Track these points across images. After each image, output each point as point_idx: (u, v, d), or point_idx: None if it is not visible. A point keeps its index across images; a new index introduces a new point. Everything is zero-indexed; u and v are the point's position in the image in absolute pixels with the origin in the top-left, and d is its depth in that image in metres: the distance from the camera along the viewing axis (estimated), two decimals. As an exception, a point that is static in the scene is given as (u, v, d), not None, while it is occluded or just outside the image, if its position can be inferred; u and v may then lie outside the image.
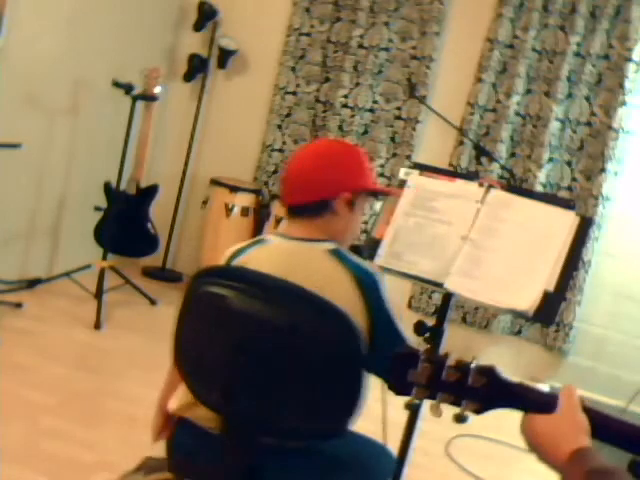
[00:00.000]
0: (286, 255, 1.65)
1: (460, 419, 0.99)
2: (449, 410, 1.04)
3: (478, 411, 0.99)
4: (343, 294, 1.51)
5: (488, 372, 0.99)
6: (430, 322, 2.06)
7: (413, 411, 2.12)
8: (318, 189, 1.61)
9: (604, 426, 0.98)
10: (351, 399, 1.48)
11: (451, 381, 0.99)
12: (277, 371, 1.48)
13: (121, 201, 3.91)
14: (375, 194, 1.81)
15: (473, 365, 0.99)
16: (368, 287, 1.53)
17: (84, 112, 4.01)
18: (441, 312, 2.19)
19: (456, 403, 1.00)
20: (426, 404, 1.03)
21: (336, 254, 1.58)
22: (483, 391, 0.99)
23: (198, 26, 4.49)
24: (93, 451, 2.49)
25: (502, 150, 4.25)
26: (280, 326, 1.46)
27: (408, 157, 4.40)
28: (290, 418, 1.52)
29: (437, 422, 2.05)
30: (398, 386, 1.00)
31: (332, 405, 1.50)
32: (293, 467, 1.59)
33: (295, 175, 1.65)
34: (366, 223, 3.82)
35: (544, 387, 1.03)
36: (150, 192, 4.04)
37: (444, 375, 0.99)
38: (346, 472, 1.64)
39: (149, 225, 4.04)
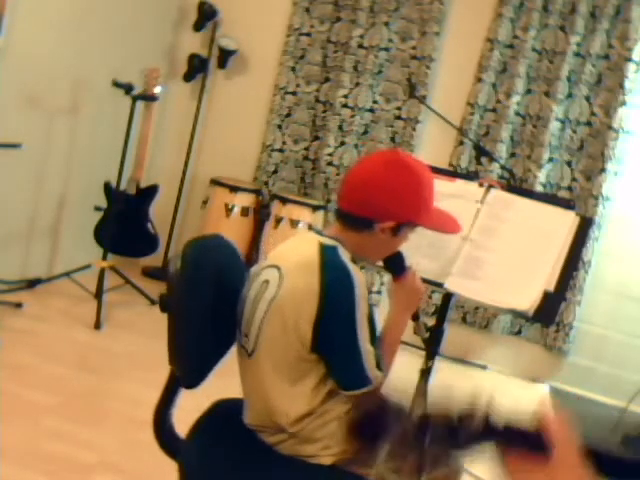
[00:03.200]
0: (294, 238, 1.74)
1: None
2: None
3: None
4: (303, 281, 1.52)
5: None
6: (430, 322, 2.06)
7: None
8: (366, 207, 1.58)
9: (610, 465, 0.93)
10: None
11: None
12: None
13: (121, 201, 3.91)
14: None
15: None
16: (330, 284, 1.50)
17: (84, 112, 4.01)
18: (441, 312, 2.19)
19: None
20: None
21: (324, 247, 1.56)
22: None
23: (198, 26, 4.49)
24: (93, 451, 2.49)
25: (502, 150, 4.25)
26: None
27: (408, 157, 4.40)
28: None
29: (437, 422, 2.05)
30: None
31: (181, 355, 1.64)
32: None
33: (354, 181, 1.62)
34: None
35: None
36: (150, 192, 4.04)
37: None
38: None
39: (149, 225, 4.04)
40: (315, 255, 1.54)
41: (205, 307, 1.59)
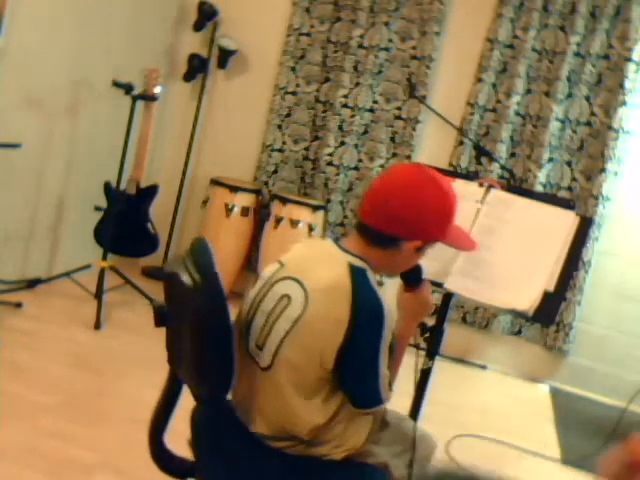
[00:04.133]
0: (314, 248, 1.68)
1: None
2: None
3: None
4: (333, 307, 1.49)
5: None
6: (430, 322, 2.06)
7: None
8: (396, 226, 1.55)
9: None
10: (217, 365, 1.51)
11: None
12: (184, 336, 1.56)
13: (121, 201, 3.91)
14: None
15: None
16: (361, 315, 1.48)
17: (84, 112, 4.01)
18: (441, 312, 2.19)
19: None
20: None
21: (355, 270, 1.53)
22: None
23: (198, 26, 4.49)
24: (93, 451, 2.49)
25: (502, 150, 4.25)
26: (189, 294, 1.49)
27: (408, 157, 4.40)
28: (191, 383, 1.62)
29: (437, 422, 2.05)
30: None
31: (206, 369, 1.54)
32: None
33: (381, 197, 1.57)
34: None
35: None
36: (150, 192, 4.03)
37: None
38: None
39: (149, 225, 4.04)
40: (346, 279, 1.51)
41: (225, 318, 1.50)
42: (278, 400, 1.58)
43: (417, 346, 1.73)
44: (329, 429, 1.59)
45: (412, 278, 1.70)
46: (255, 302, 1.63)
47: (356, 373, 1.54)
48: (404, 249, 1.57)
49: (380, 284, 1.59)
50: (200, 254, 1.56)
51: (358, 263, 1.55)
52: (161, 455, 1.69)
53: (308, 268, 1.58)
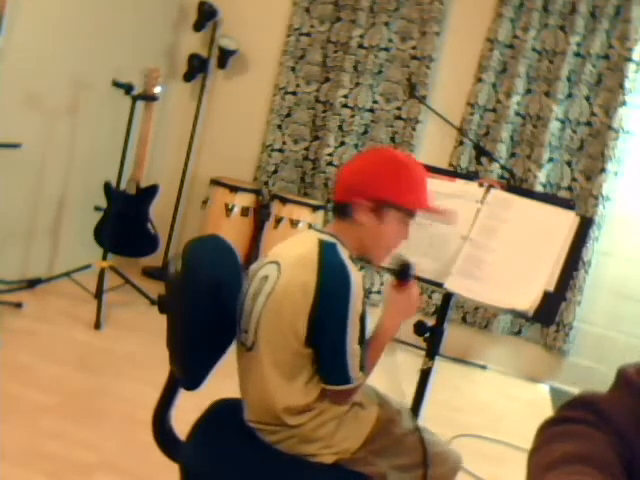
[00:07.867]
0: (295, 236, 1.74)
1: None
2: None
3: None
4: (301, 277, 1.53)
5: None
6: (430, 322, 2.06)
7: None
8: (342, 190, 1.65)
9: None
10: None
11: None
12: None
13: (121, 201, 3.91)
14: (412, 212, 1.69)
15: None
16: (326, 280, 1.51)
17: (84, 112, 4.01)
18: (441, 312, 2.19)
19: None
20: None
21: (323, 244, 1.58)
22: None
23: (198, 26, 4.49)
24: (93, 451, 2.48)
25: (502, 150, 4.25)
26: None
27: (408, 157, 4.40)
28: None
29: (437, 422, 2.05)
30: None
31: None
32: None
33: (342, 175, 1.69)
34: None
35: None
36: (150, 192, 4.04)
37: None
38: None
39: (149, 225, 4.04)
40: (314, 251, 1.55)
41: (203, 308, 1.59)
42: (259, 380, 1.60)
43: (402, 341, 1.72)
44: (318, 426, 1.58)
45: (399, 272, 1.71)
46: (243, 294, 1.67)
47: (324, 343, 1.54)
48: (355, 214, 1.60)
49: (353, 260, 1.60)
50: (201, 248, 1.64)
51: (328, 238, 1.61)
52: (163, 435, 1.69)
53: (284, 250, 1.67)
